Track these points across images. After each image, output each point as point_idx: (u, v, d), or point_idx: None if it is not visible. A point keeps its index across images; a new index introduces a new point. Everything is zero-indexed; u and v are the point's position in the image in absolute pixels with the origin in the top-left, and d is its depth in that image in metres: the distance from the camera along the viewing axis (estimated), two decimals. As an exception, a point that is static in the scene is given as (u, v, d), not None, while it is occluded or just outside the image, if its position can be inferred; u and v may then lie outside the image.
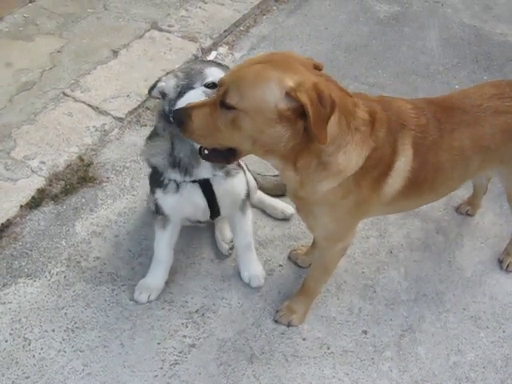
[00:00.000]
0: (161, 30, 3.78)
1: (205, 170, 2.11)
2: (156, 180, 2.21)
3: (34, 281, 2.43)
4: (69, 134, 2.99)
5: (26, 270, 2.47)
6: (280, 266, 2.59)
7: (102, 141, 3.03)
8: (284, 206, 2.74)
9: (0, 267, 2.46)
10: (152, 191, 2.30)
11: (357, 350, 2.32)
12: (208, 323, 2.35)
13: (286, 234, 2.72)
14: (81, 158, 2.90)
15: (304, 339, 2.34)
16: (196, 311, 2.39)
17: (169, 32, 3.77)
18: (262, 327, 2.36)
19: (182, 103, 1.95)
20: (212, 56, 3.73)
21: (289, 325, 2.36)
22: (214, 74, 1.95)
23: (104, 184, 2.86)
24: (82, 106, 3.15)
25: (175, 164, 2.12)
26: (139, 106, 3.23)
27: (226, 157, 1.79)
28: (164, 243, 2.37)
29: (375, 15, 4.34)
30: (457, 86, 3.70)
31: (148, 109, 3.28)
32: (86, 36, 3.64)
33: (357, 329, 2.39)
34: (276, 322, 2.37)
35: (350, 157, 1.76)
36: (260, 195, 2.77)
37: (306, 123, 1.59)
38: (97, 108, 3.15)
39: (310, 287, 2.30)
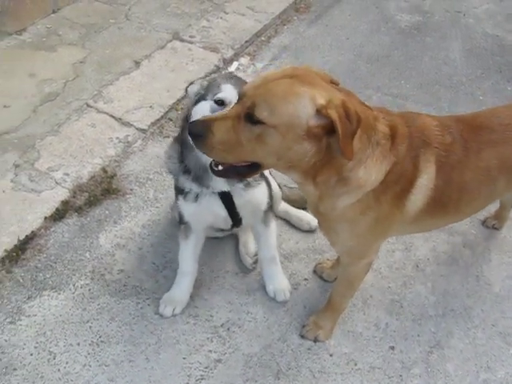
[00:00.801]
0: (182, 40, 3.79)
1: (221, 183, 2.09)
2: (178, 187, 2.21)
3: (59, 293, 2.43)
4: (92, 146, 2.99)
5: (50, 282, 2.47)
6: (305, 279, 2.56)
7: (126, 152, 3.03)
8: (310, 217, 2.71)
9: (25, 279, 2.46)
10: (176, 198, 2.30)
11: (384, 366, 2.28)
12: (233, 338, 2.33)
13: (311, 248, 2.69)
14: (104, 170, 2.90)
15: (331, 355, 2.30)
16: (221, 325, 2.37)
17: (190, 43, 3.77)
18: (288, 342, 2.33)
19: (194, 113, 1.97)
20: (233, 67, 3.72)
21: (315, 340, 2.33)
22: (227, 91, 1.93)
23: (128, 196, 2.85)
24: (105, 117, 3.16)
25: (186, 172, 2.12)
26: (162, 117, 3.23)
27: (241, 172, 1.75)
28: (188, 253, 2.35)
29: (397, 25, 4.31)
30: (481, 98, 3.66)
31: (171, 120, 3.28)
32: (108, 46, 3.65)
33: (384, 345, 2.35)
34: (302, 337, 2.34)
35: (371, 171, 1.73)
36: (285, 206, 2.75)
37: (331, 140, 1.58)
38: (120, 119, 3.15)
39: (336, 302, 2.27)
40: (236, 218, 2.24)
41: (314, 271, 2.59)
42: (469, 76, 3.85)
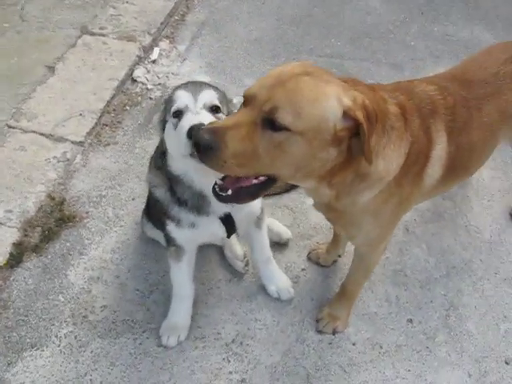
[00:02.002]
0: (93, 34, 3.40)
1: (223, 206, 1.86)
2: (164, 211, 1.94)
3: (42, 350, 2.11)
4: (28, 172, 2.61)
5: (28, 340, 2.14)
6: (303, 270, 2.41)
7: (68, 172, 2.68)
8: (282, 229, 2.49)
9: (-3, 344, 2.12)
10: (162, 222, 2.04)
11: (409, 342, 2.20)
12: (250, 352, 2.15)
13: (298, 234, 2.53)
14: (51, 197, 2.55)
15: (354, 344, 2.19)
16: (232, 341, 2.17)
17: (103, 35, 3.39)
18: (307, 342, 2.18)
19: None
20: (155, 53, 3.40)
21: (334, 332, 2.20)
22: (178, 98, 1.73)
23: (85, 220, 2.53)
24: (33, 136, 2.76)
25: (181, 203, 1.88)
26: (96, 124, 2.89)
27: (254, 193, 1.51)
28: (183, 276, 2.12)
29: (308, -19, 4.14)
30: (412, 43, 3.62)
31: (106, 125, 2.95)
32: (11, 55, 3.19)
33: (401, 319, 2.27)
34: (320, 332, 2.20)
35: (391, 160, 1.58)
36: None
37: (351, 142, 1.42)
38: (51, 135, 2.77)
39: (351, 290, 2.15)
40: (231, 231, 2.02)
41: (309, 258, 2.44)
42: (394, 23, 3.78)
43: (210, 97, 1.73)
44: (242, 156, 1.36)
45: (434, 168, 1.75)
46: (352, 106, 1.36)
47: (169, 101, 1.78)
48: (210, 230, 1.93)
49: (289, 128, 1.33)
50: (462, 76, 1.92)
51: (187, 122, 1.64)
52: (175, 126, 1.70)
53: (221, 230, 1.94)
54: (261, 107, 1.35)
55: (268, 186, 1.49)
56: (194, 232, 1.92)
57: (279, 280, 2.30)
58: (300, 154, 1.38)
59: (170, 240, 2.02)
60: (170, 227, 1.96)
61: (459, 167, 1.87)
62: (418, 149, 1.65)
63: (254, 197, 1.54)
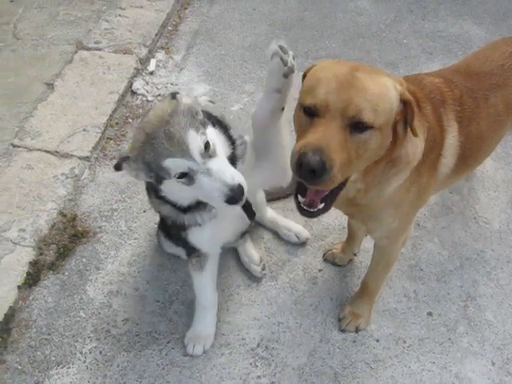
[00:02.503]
0: (89, 48, 3.40)
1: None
2: (180, 223, 1.87)
3: (68, 368, 2.11)
4: (38, 190, 2.60)
5: (53, 358, 2.13)
6: (320, 270, 2.43)
7: (77, 187, 2.68)
8: (299, 228, 2.52)
9: (23, 364, 2.11)
10: (174, 236, 2.03)
11: (431, 334, 2.23)
12: (276, 355, 2.16)
13: (311, 236, 2.55)
14: (63, 214, 2.54)
15: (377, 340, 2.21)
16: (258, 346, 2.18)
17: (98, 49, 3.40)
18: (331, 341, 2.20)
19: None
20: (152, 65, 3.41)
21: (357, 330, 2.22)
22: (178, 167, 1.57)
23: (99, 235, 2.53)
24: (39, 154, 2.76)
25: (188, 210, 1.82)
26: (100, 138, 2.89)
27: (334, 198, 1.51)
28: (207, 286, 2.12)
29: (296, -14, 4.18)
30: (405, 41, 3.67)
31: (110, 139, 2.95)
32: (8, 74, 3.18)
33: (421, 313, 2.30)
34: (343, 331, 2.22)
35: (416, 144, 1.63)
36: (273, 215, 2.56)
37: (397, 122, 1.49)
38: (57, 152, 2.77)
39: (373, 287, 2.17)
40: (252, 215, 1.94)
41: (325, 259, 2.46)
42: (385, 22, 3.83)
43: (196, 142, 1.57)
44: (344, 165, 1.38)
45: (448, 157, 1.80)
46: (403, 91, 1.45)
47: (157, 167, 1.59)
48: (231, 217, 1.90)
49: (373, 126, 1.38)
50: (467, 69, 1.97)
51: (212, 187, 1.57)
52: (187, 184, 1.60)
53: (241, 217, 1.89)
54: (342, 113, 1.36)
55: (342, 186, 1.51)
56: (217, 224, 1.86)
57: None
58: (378, 147, 1.44)
59: (191, 250, 2.01)
60: (192, 233, 1.89)
61: (470, 157, 1.91)
62: (433, 136, 1.70)
63: (333, 202, 1.53)
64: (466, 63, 2.04)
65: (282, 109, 1.67)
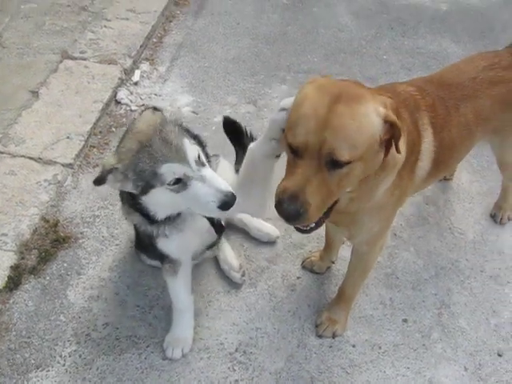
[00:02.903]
0: (74, 58, 3.44)
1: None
2: (149, 233, 1.92)
3: (48, 371, 2.12)
4: (20, 196, 2.62)
5: (32, 361, 2.14)
6: (298, 278, 2.48)
7: (60, 194, 2.71)
8: (270, 228, 2.59)
9: (2, 366, 2.12)
10: (146, 245, 2.08)
11: (406, 341, 2.28)
12: (253, 359, 2.19)
13: (290, 244, 2.60)
14: (45, 219, 2.56)
15: (353, 346, 2.26)
16: (236, 350, 2.21)
17: (83, 59, 3.43)
18: (308, 346, 2.24)
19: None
20: (137, 76, 3.46)
21: (333, 336, 2.26)
22: (174, 171, 1.62)
23: (80, 241, 2.55)
24: (22, 160, 2.78)
25: (158, 222, 1.87)
26: (84, 146, 2.92)
27: (327, 214, 1.60)
28: (181, 289, 2.16)
29: (279, 1, 4.26)
30: (384, 57, 3.76)
31: (93, 147, 2.98)
32: (-7, 82, 3.21)
33: (396, 320, 2.35)
34: (320, 337, 2.26)
35: (401, 146, 1.69)
36: (242, 216, 2.60)
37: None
38: (40, 159, 2.79)
39: (349, 293, 2.22)
40: (220, 230, 2.05)
41: (303, 267, 2.51)
42: (366, 38, 3.92)
43: (191, 149, 1.65)
44: (322, 202, 1.47)
45: (425, 162, 1.86)
46: (387, 112, 1.47)
47: (151, 175, 1.63)
48: (199, 230, 1.96)
49: (350, 161, 1.42)
50: (439, 79, 2.04)
51: (206, 192, 1.64)
52: (178, 191, 1.65)
53: (209, 231, 1.97)
54: (318, 154, 1.41)
55: (335, 204, 1.59)
56: (183, 237, 1.92)
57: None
58: (362, 172, 1.51)
59: (163, 257, 2.05)
60: (161, 242, 1.94)
61: (442, 162, 1.99)
62: (412, 140, 1.76)
63: (327, 216, 1.60)
64: (439, 74, 2.12)
65: (278, 156, 1.69)
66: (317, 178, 1.42)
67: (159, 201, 1.73)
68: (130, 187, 1.69)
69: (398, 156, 1.66)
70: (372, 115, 1.45)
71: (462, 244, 2.65)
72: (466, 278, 2.51)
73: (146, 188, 1.67)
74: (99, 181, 1.65)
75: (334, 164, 1.42)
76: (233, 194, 1.63)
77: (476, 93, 2.03)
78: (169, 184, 1.63)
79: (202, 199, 1.64)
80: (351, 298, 2.24)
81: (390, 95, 1.72)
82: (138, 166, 1.63)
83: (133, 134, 1.69)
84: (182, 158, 1.61)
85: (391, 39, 3.93)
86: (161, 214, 1.81)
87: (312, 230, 1.60)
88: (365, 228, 1.87)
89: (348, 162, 1.42)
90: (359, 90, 1.51)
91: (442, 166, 2.04)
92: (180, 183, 1.63)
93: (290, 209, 1.42)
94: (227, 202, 1.62)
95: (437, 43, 3.91)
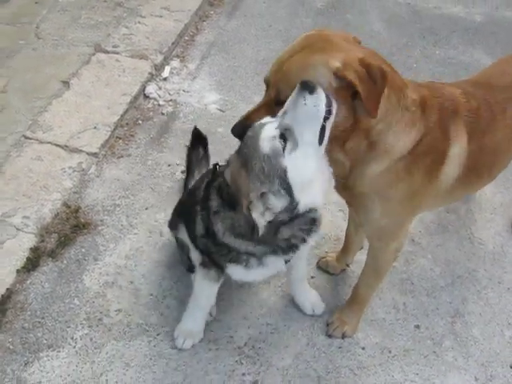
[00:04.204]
0: (106, 51, 3.51)
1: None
2: (232, 254, 1.85)
3: (58, 351, 2.16)
4: (45, 181, 2.69)
5: (44, 341, 2.18)
6: (312, 277, 2.47)
7: (83, 181, 2.76)
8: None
9: (15, 344, 2.16)
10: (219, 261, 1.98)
11: (417, 346, 2.26)
12: (262, 354, 2.19)
13: (307, 243, 2.59)
14: (67, 205, 2.62)
15: (363, 348, 2.24)
16: (245, 344, 2.22)
17: (116, 53, 3.51)
18: (317, 345, 2.23)
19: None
20: (166, 72, 3.51)
21: (343, 337, 2.25)
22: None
23: (100, 228, 2.59)
24: (49, 147, 2.85)
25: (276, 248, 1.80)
26: (110, 136, 2.98)
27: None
28: (213, 293, 2.14)
29: (313, 6, 4.28)
30: (414, 65, 3.74)
31: (120, 138, 3.04)
32: (27, 70, 3.29)
33: (409, 325, 2.33)
34: (330, 336, 2.26)
35: (399, 137, 1.70)
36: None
37: (356, 102, 1.58)
38: (66, 146, 2.86)
39: (362, 295, 2.21)
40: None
41: (319, 266, 2.51)
42: (397, 46, 3.91)
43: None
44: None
45: (451, 167, 1.83)
46: (341, 68, 1.52)
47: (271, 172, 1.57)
48: (277, 266, 1.91)
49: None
50: (485, 82, 2.04)
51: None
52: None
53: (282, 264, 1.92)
54: (270, 93, 1.64)
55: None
56: (261, 272, 1.90)
57: (313, 296, 2.34)
58: None
59: (207, 264, 2.01)
60: (233, 269, 1.90)
61: (483, 169, 1.98)
62: (431, 142, 1.74)
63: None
64: (484, 77, 2.12)
65: None
66: (265, 108, 1.65)
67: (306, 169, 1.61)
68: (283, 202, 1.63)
69: (392, 144, 1.68)
70: (319, 67, 1.54)
71: (481, 254, 2.61)
72: (483, 289, 2.47)
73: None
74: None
75: (280, 104, 1.59)
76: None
77: None
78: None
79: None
80: (364, 300, 2.22)
81: (428, 93, 1.77)
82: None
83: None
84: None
85: (422, 48, 3.91)
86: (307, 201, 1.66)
87: None
88: (370, 215, 1.87)
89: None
90: (330, 43, 1.60)
91: (485, 171, 2.03)
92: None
93: (238, 129, 1.68)
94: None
95: (469, 54, 3.87)
